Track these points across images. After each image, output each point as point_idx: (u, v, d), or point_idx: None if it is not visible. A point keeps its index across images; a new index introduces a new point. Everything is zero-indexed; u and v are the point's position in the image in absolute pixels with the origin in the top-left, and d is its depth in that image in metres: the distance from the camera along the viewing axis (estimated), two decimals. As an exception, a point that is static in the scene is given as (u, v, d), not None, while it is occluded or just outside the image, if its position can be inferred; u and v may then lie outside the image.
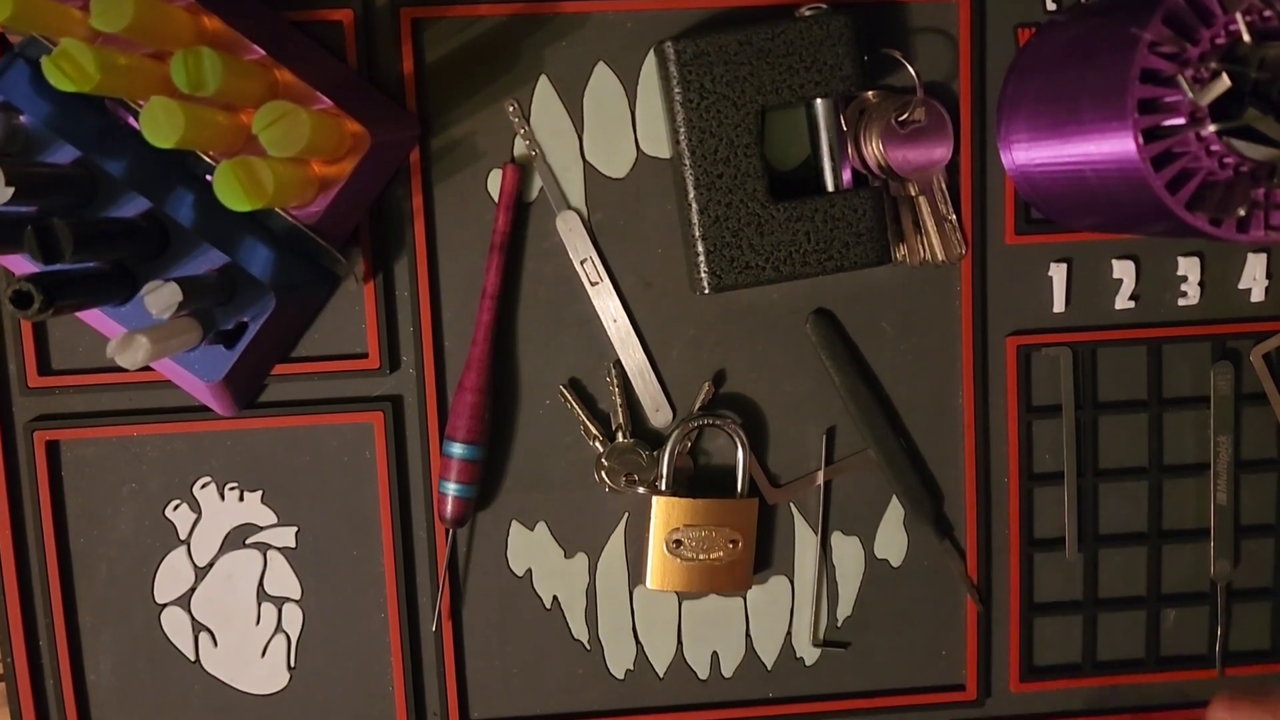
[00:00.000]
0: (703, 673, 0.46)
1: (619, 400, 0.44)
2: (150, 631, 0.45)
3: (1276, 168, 0.35)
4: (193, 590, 0.45)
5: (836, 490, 0.46)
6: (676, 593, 0.43)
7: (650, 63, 0.43)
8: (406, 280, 0.43)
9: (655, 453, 0.44)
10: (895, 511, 0.46)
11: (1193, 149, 0.35)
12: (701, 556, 0.42)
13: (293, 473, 0.44)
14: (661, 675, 0.46)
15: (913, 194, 0.43)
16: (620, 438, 0.44)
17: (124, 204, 0.39)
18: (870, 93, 0.42)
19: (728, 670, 0.46)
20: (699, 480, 0.45)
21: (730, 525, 0.43)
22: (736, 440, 0.43)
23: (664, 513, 0.42)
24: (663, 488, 0.43)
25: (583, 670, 0.46)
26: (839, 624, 0.46)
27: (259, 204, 0.35)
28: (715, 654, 0.46)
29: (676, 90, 0.40)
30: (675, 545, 0.42)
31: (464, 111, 0.43)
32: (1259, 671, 0.47)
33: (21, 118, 0.38)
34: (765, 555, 0.46)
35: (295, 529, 0.45)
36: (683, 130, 0.40)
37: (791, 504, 0.46)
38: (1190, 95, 0.34)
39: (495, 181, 0.43)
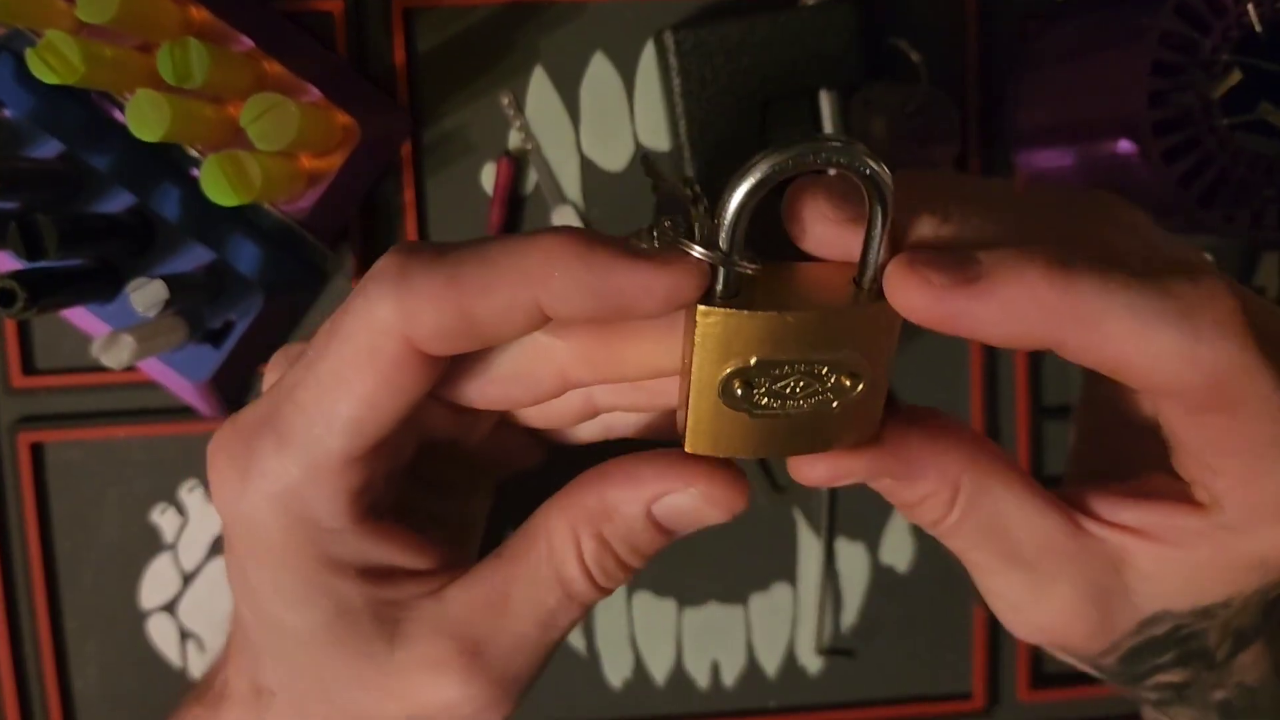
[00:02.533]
0: (703, 682, 0.46)
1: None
2: (136, 638, 0.44)
3: (1292, 161, 0.34)
4: (179, 596, 0.44)
5: (842, 495, 0.45)
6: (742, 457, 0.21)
7: (649, 53, 0.42)
8: (399, 278, 0.42)
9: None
10: (902, 517, 0.45)
11: (1205, 144, 0.34)
12: (793, 405, 0.20)
13: (283, 475, 0.43)
14: (661, 685, 0.45)
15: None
16: None
17: (109, 199, 0.38)
18: (875, 84, 0.42)
19: (729, 679, 0.46)
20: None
21: (848, 346, 0.20)
22: (870, 183, 0.18)
23: (721, 334, 0.19)
24: (719, 287, 0.19)
25: (579, 680, 0.45)
26: (843, 632, 0.46)
27: (246, 199, 0.34)
28: (716, 663, 0.45)
29: (676, 81, 0.39)
30: (741, 391, 0.20)
31: (457, 103, 0.42)
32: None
33: (5, 111, 0.38)
34: (768, 561, 0.45)
35: (285, 533, 0.44)
36: (683, 122, 0.40)
37: (795, 509, 0.45)
38: (1202, 88, 0.33)
39: (489, 175, 0.42)
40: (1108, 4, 0.39)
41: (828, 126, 0.40)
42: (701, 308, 0.19)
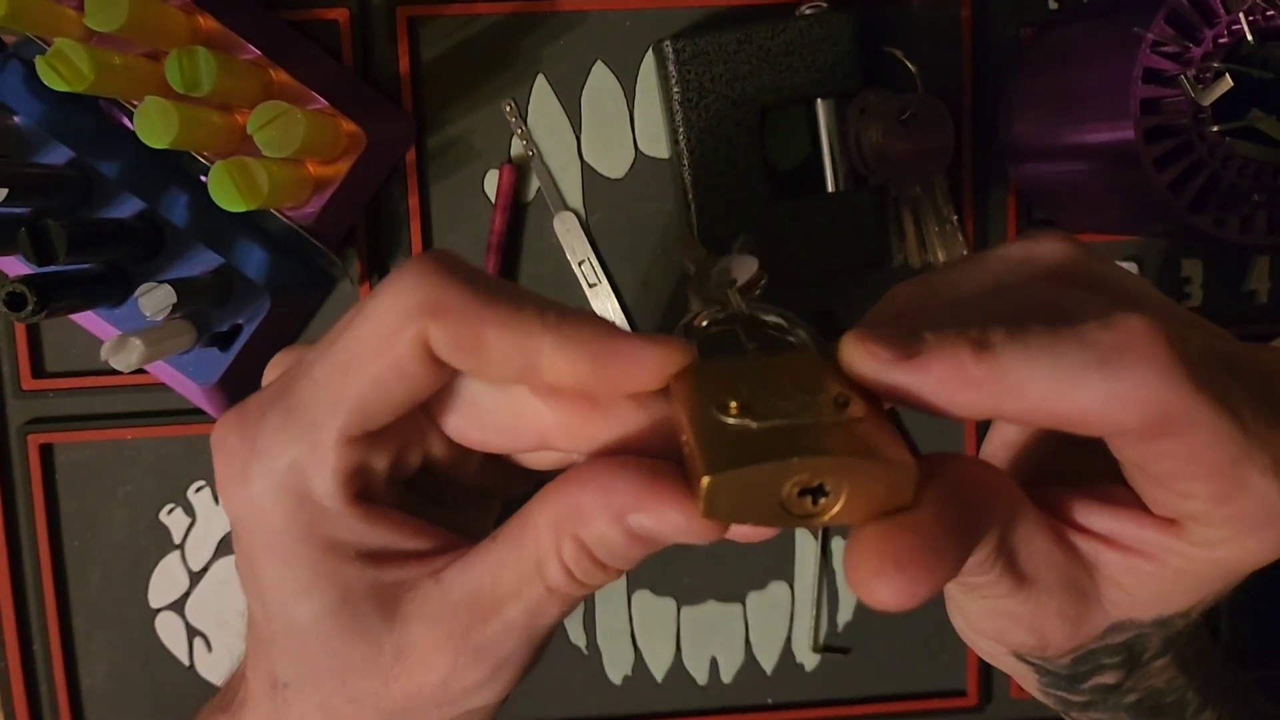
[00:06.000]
0: (702, 678, 0.46)
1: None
2: (144, 636, 0.44)
3: (1280, 168, 0.35)
4: (187, 595, 0.44)
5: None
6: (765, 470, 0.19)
7: (649, 62, 0.42)
8: (403, 282, 0.43)
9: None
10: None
11: (1196, 150, 0.34)
12: (790, 420, 0.19)
13: (288, 476, 0.44)
14: (660, 681, 0.46)
15: (914, 194, 0.42)
16: None
17: (118, 205, 0.39)
18: (871, 92, 0.42)
19: (727, 676, 0.46)
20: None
21: (828, 383, 0.20)
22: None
23: (703, 378, 0.20)
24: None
25: (580, 676, 0.46)
26: (839, 629, 0.46)
27: (254, 205, 0.35)
28: (714, 659, 0.46)
29: (675, 89, 0.40)
30: (737, 408, 0.19)
31: (460, 111, 0.42)
32: (1259, 675, 0.47)
33: (15, 118, 0.38)
34: (765, 561, 0.46)
35: (291, 533, 0.44)
36: (682, 130, 0.40)
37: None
38: (1193, 95, 0.33)
39: (492, 182, 0.43)
40: (1101, 12, 0.39)
41: (824, 133, 0.41)
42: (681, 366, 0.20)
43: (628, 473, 0.20)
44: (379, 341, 0.19)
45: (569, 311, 0.20)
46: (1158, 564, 0.21)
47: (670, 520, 0.19)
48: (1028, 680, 0.25)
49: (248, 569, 0.22)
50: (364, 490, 0.21)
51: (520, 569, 0.21)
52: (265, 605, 0.21)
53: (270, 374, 0.23)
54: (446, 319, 0.19)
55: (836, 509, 0.19)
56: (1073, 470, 0.24)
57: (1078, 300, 0.21)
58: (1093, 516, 0.22)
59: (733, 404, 0.19)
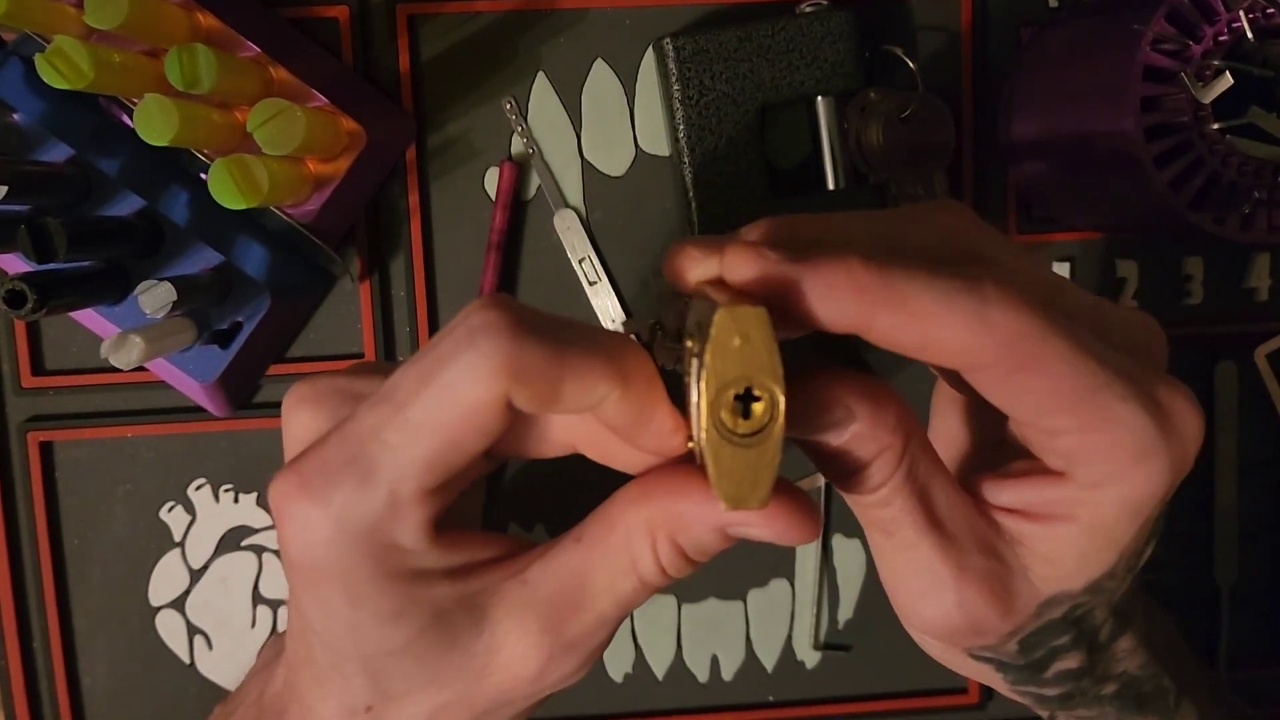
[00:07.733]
0: (702, 676, 0.46)
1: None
2: (145, 634, 0.44)
3: (1280, 166, 0.35)
4: (187, 593, 0.44)
5: (837, 492, 0.45)
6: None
7: (649, 60, 0.42)
8: (403, 279, 0.43)
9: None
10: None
11: (1196, 148, 0.34)
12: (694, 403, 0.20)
13: (288, 474, 0.44)
14: (661, 679, 0.46)
15: (914, 192, 0.42)
16: None
17: (118, 203, 0.39)
18: (871, 90, 0.42)
19: (728, 674, 0.46)
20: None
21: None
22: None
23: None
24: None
25: (581, 673, 0.46)
26: (840, 627, 0.46)
27: (254, 202, 0.35)
28: (715, 657, 0.46)
29: (675, 87, 0.40)
30: (686, 442, 0.21)
31: (461, 109, 0.42)
32: (1261, 675, 0.47)
33: (15, 116, 0.38)
34: (766, 558, 0.46)
35: (291, 531, 0.44)
36: (682, 128, 0.40)
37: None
38: (1193, 93, 0.34)
39: (492, 180, 0.43)
40: (1101, 10, 0.39)
41: (824, 131, 0.41)
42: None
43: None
44: (460, 409, 0.20)
45: (630, 358, 0.21)
46: (1069, 522, 0.22)
47: (775, 529, 0.21)
48: (995, 682, 0.26)
49: (321, 611, 0.22)
50: (440, 519, 0.22)
51: (612, 566, 0.22)
52: (350, 637, 0.22)
53: (299, 414, 0.24)
54: (529, 383, 0.20)
55: (775, 388, 0.19)
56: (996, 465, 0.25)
57: (943, 248, 0.22)
58: (1001, 493, 0.23)
59: (688, 445, 0.22)
